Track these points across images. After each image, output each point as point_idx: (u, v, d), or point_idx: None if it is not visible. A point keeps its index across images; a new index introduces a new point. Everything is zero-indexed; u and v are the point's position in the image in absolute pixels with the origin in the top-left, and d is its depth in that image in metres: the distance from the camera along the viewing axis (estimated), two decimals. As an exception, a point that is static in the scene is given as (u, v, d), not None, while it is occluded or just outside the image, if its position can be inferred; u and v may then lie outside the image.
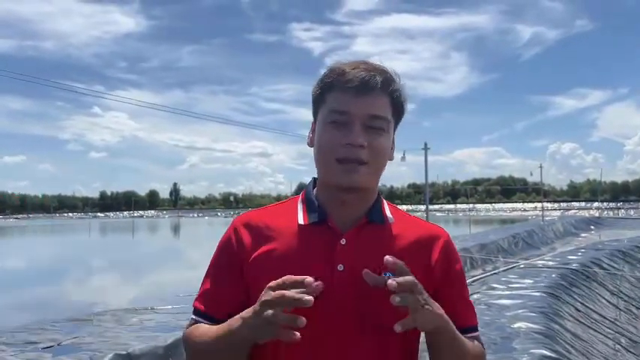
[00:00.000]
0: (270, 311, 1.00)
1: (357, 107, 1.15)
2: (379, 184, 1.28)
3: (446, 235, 1.27)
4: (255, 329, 1.03)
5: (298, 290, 1.00)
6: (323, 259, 1.14)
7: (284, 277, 1.03)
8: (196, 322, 1.21)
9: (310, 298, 0.99)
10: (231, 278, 1.19)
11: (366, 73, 1.16)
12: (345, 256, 1.15)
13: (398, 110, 1.22)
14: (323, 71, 1.23)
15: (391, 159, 1.25)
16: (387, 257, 1.05)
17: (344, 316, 1.12)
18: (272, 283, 1.03)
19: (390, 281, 1.01)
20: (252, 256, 1.18)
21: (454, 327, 1.14)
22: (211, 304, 1.20)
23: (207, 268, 1.26)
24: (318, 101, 1.22)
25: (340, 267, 1.14)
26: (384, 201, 1.27)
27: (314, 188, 1.26)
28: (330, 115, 1.17)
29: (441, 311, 1.10)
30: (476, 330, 1.27)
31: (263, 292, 1.03)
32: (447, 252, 1.24)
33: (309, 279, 1.01)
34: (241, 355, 1.12)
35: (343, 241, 1.16)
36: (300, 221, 1.20)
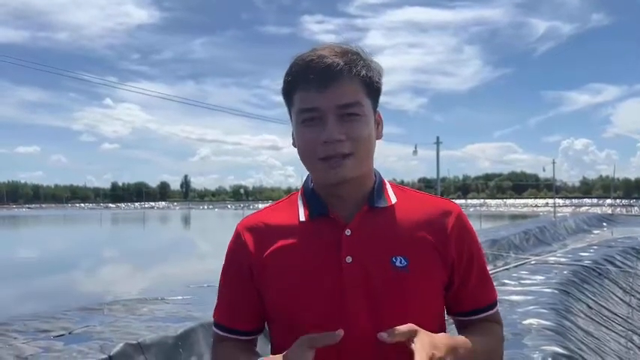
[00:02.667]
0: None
1: (324, 101, 1.10)
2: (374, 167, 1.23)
3: (457, 208, 1.21)
4: None
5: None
6: (330, 253, 1.12)
7: (303, 339, 1.06)
8: (221, 337, 1.23)
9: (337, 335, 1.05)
10: (243, 286, 1.19)
11: (325, 62, 1.09)
12: (352, 247, 1.12)
13: (372, 87, 1.15)
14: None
15: (379, 138, 1.20)
16: (380, 334, 1.04)
17: (357, 309, 1.10)
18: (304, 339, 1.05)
19: (383, 336, 1.05)
20: (260, 259, 1.16)
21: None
22: (230, 315, 1.22)
23: (219, 278, 1.26)
24: (287, 103, 1.18)
25: (349, 259, 1.11)
26: (386, 182, 1.23)
27: (312, 182, 1.23)
28: (301, 115, 1.13)
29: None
30: (494, 306, 1.24)
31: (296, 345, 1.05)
32: (460, 227, 1.19)
33: (340, 332, 1.05)
34: None
35: (348, 232, 1.13)
36: (302, 217, 1.18)
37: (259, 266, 1.16)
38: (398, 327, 1.04)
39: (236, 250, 1.21)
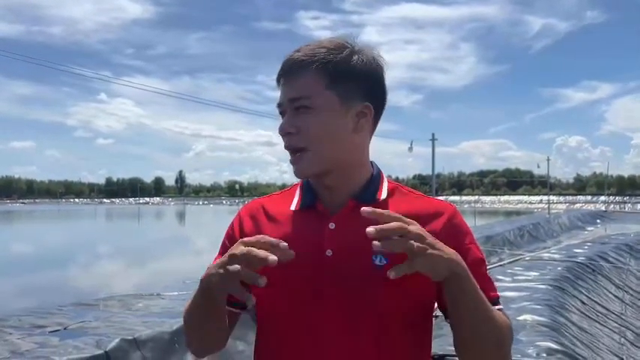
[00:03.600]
0: (236, 266, 0.97)
1: (283, 95, 1.15)
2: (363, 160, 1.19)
3: (451, 209, 1.17)
4: (219, 278, 1.01)
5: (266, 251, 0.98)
6: (312, 245, 1.12)
7: (259, 236, 1.02)
8: None
9: (275, 257, 0.95)
10: None
11: (290, 58, 1.14)
12: (334, 240, 1.11)
13: (337, 76, 1.11)
14: None
15: (360, 130, 1.14)
16: (369, 229, 0.94)
17: (331, 304, 1.09)
18: (245, 239, 1.01)
19: (368, 229, 0.93)
20: None
21: (475, 281, 1.03)
22: None
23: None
24: None
25: (329, 252, 1.11)
26: (383, 178, 1.21)
27: None
28: (277, 110, 1.18)
29: (457, 257, 1.00)
30: (496, 304, 1.15)
31: (235, 245, 1.02)
32: (452, 228, 1.14)
33: (283, 243, 0.99)
34: (218, 311, 1.12)
35: (332, 225, 1.13)
36: (293, 207, 1.20)
37: None
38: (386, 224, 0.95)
39: (233, 230, 1.25)
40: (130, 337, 4.51)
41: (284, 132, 1.13)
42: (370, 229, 0.93)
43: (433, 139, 29.88)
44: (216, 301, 1.08)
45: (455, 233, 1.13)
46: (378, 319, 1.08)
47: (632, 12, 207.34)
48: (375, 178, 1.19)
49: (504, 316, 1.15)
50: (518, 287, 7.13)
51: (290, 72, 1.13)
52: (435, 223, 1.13)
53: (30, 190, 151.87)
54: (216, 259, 1.25)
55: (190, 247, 21.29)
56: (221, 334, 1.20)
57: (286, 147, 1.14)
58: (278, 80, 1.16)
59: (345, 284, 1.09)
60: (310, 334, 1.10)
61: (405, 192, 1.21)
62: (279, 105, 1.16)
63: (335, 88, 1.11)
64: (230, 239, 1.23)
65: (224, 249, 1.23)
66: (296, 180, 1.23)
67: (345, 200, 1.15)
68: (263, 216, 1.22)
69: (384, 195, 1.17)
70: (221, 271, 1.00)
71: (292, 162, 1.14)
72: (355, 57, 1.13)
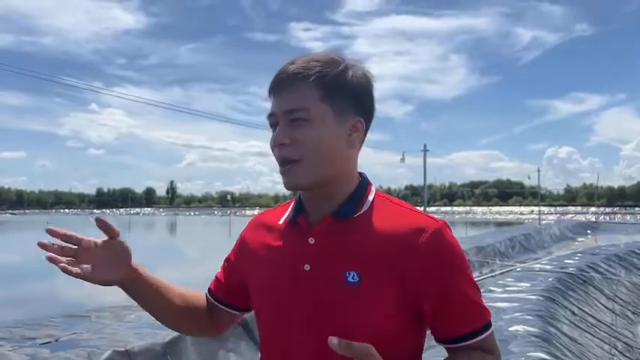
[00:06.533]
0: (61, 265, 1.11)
1: (277, 106, 1.14)
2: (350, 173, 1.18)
3: (434, 225, 1.09)
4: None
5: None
6: (292, 259, 1.13)
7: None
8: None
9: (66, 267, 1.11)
10: (231, 268, 1.32)
11: (284, 70, 1.14)
12: (311, 255, 1.12)
13: (333, 90, 1.11)
14: None
15: (352, 145, 1.15)
16: (331, 338, 0.96)
17: (300, 318, 1.11)
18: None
19: (333, 341, 0.96)
20: (247, 254, 1.26)
21: None
22: (218, 287, 1.34)
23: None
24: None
25: (306, 267, 1.11)
26: (371, 190, 1.18)
27: None
28: (268, 121, 1.18)
29: None
30: (482, 332, 1.11)
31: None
32: (433, 246, 1.07)
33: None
34: (136, 296, 1.24)
35: (311, 240, 1.13)
36: (281, 221, 1.22)
37: (245, 259, 1.26)
38: (355, 342, 0.97)
39: (240, 239, 1.32)
40: (122, 349, 4.50)
41: (277, 143, 1.12)
42: (333, 340, 0.97)
43: (425, 151, 30.01)
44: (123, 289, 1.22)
45: (437, 255, 1.08)
46: (345, 333, 1.02)
47: (619, 25, 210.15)
48: (360, 191, 1.17)
49: (487, 355, 1.13)
50: (509, 298, 7.17)
51: (285, 84, 1.12)
52: (414, 241, 1.07)
53: (20, 201, 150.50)
54: (222, 268, 1.36)
55: (181, 258, 21.17)
56: (182, 316, 1.30)
57: (278, 158, 1.14)
58: (270, 91, 1.16)
59: (317, 299, 1.09)
60: (281, 343, 1.14)
61: (391, 205, 1.16)
62: (272, 115, 1.15)
63: (330, 102, 1.11)
64: (237, 244, 1.32)
65: (232, 250, 1.34)
66: (285, 190, 1.23)
67: (326, 215, 1.15)
68: (261, 228, 1.27)
69: (364, 208, 1.14)
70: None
71: (283, 173, 1.13)
72: (350, 72, 1.14)
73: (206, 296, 1.35)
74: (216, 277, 1.36)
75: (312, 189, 1.14)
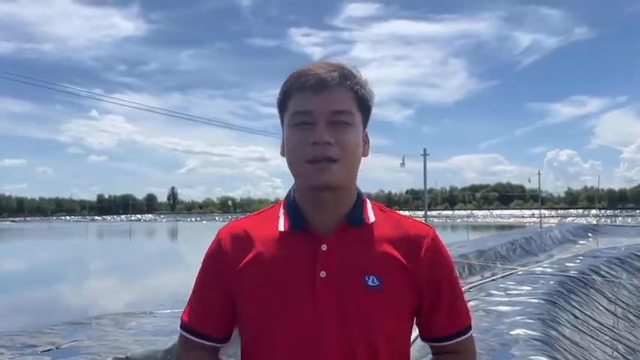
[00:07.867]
0: None
1: (318, 104, 1.12)
2: (358, 184, 1.24)
3: (431, 232, 1.22)
4: None
5: None
6: (305, 267, 1.13)
7: None
8: (186, 339, 1.24)
9: None
10: (218, 291, 1.20)
11: (322, 71, 1.14)
12: (327, 262, 1.12)
13: (363, 104, 1.18)
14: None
15: (365, 155, 1.22)
16: None
17: (327, 324, 1.11)
18: None
19: None
20: (237, 267, 1.17)
21: None
22: (201, 319, 1.22)
23: (194, 281, 1.26)
24: (281, 109, 1.20)
25: (322, 274, 1.12)
26: (367, 201, 1.24)
27: (294, 193, 1.23)
28: (294, 118, 1.15)
29: None
30: (465, 332, 1.24)
31: None
32: (434, 251, 1.19)
33: None
34: None
35: (324, 247, 1.14)
36: (281, 228, 1.18)
37: (236, 274, 1.17)
38: None
39: (215, 256, 1.21)
40: (122, 356, 4.50)
41: (324, 141, 1.11)
42: None
43: (425, 155, 29.99)
44: None
45: (436, 260, 1.19)
46: (369, 337, 1.10)
47: (618, 27, 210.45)
48: (361, 201, 1.21)
49: (467, 355, 1.26)
50: (511, 302, 7.16)
51: (327, 84, 1.13)
52: (420, 247, 1.18)
53: (20, 208, 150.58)
54: (195, 284, 1.25)
55: (182, 265, 21.17)
56: None
57: (317, 155, 1.12)
58: (305, 89, 1.13)
59: (339, 304, 1.11)
60: (307, 350, 1.10)
61: (388, 214, 1.24)
62: (308, 113, 1.13)
63: (361, 111, 1.18)
64: (211, 261, 1.22)
65: (204, 272, 1.23)
66: (288, 190, 1.25)
67: (337, 221, 1.16)
68: (247, 238, 1.20)
69: (372, 217, 1.19)
70: None
71: (318, 169, 1.12)
72: (370, 88, 1.21)
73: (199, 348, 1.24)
74: (198, 311, 1.23)
75: (339, 189, 1.16)
